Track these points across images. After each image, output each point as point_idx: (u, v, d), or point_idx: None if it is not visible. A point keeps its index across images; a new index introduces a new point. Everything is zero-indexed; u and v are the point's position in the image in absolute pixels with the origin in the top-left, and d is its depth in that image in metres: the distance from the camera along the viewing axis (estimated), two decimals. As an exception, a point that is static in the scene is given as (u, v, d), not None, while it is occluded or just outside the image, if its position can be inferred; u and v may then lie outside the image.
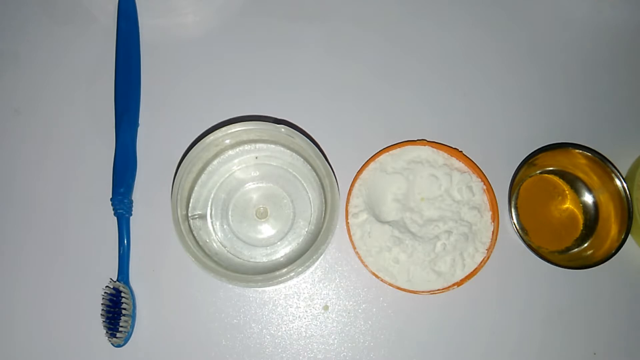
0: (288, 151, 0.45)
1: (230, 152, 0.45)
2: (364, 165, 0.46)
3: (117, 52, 0.49)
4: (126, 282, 0.45)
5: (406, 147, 0.46)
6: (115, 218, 0.46)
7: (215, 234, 0.45)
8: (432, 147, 0.47)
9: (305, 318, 0.45)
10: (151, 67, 0.49)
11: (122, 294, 0.43)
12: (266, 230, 0.46)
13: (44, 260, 0.46)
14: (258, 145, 0.46)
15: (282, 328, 0.45)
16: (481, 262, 0.44)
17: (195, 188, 0.45)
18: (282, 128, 0.42)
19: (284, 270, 0.40)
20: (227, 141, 0.44)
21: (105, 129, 0.48)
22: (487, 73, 0.50)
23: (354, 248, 0.44)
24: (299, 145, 0.43)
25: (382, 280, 0.44)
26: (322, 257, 0.44)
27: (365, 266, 0.44)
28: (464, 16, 0.52)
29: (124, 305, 0.43)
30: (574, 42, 0.51)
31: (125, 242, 0.45)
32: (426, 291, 0.44)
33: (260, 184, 0.46)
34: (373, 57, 0.50)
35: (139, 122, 0.48)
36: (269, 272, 0.40)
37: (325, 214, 0.42)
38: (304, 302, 0.46)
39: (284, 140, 0.44)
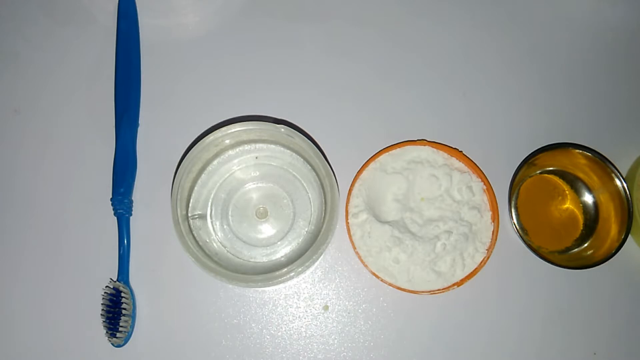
0: (288, 151, 0.45)
1: (230, 152, 0.45)
2: (364, 165, 0.46)
3: (117, 52, 0.49)
4: (126, 282, 0.45)
5: (406, 147, 0.46)
6: (115, 218, 0.46)
7: (215, 234, 0.45)
8: (432, 147, 0.47)
9: (305, 318, 0.45)
10: (151, 67, 0.49)
11: (122, 294, 0.43)
12: (266, 230, 0.46)
13: (44, 260, 0.46)
14: (258, 145, 0.46)
15: (282, 328, 0.45)
16: (481, 262, 0.44)
17: (195, 188, 0.45)
18: (282, 128, 0.42)
19: (284, 270, 0.40)
20: (227, 141, 0.44)
21: (105, 129, 0.48)
22: (487, 73, 0.50)
23: (354, 248, 0.44)
24: (299, 145, 0.43)
25: (382, 280, 0.44)
26: (322, 257, 0.44)
27: (365, 266, 0.44)
28: (464, 16, 0.52)
29: (124, 305, 0.43)
30: (574, 42, 0.51)
31: (125, 242, 0.45)
32: (426, 291, 0.44)
33: (260, 184, 0.46)
34: (373, 57, 0.50)
35: (139, 122, 0.48)
36: (269, 272, 0.40)
37: (325, 214, 0.42)
38: (304, 302, 0.46)
39: (284, 140, 0.44)
